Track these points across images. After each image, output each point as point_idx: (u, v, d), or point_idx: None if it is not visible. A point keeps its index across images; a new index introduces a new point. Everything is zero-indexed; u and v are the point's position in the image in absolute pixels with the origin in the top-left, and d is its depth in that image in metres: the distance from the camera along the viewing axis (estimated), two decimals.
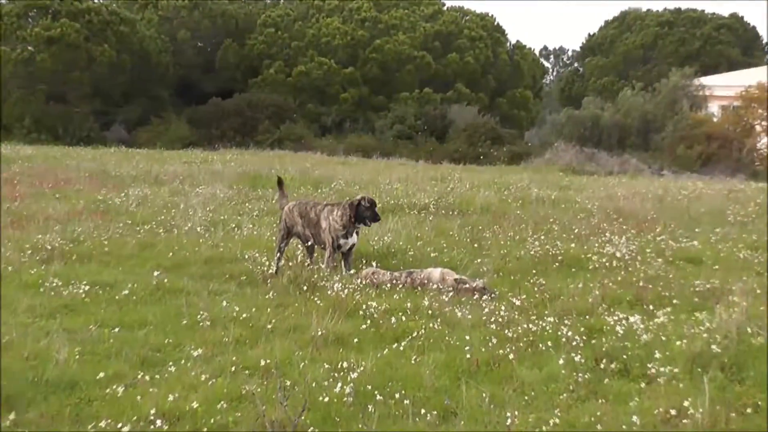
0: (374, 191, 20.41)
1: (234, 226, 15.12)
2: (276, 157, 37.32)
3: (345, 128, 61.65)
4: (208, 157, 34.37)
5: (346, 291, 9.40)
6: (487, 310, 9.02)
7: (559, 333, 8.14)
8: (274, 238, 12.98)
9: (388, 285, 10.26)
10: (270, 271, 11.20)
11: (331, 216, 11.52)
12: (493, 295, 9.98)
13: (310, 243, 11.81)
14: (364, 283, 10.38)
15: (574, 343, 7.87)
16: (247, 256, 11.98)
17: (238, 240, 13.75)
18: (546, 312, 8.99)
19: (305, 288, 9.90)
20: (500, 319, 8.69)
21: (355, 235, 11.62)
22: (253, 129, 53.39)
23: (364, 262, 11.92)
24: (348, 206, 11.37)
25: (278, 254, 11.66)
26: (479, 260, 12.18)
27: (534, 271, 11.51)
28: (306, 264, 10.94)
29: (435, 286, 10.23)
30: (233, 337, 8.07)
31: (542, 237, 14.16)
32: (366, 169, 31.43)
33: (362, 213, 11.42)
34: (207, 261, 12.03)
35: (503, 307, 9.11)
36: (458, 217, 17.30)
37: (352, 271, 11.24)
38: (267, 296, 9.66)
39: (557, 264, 12.12)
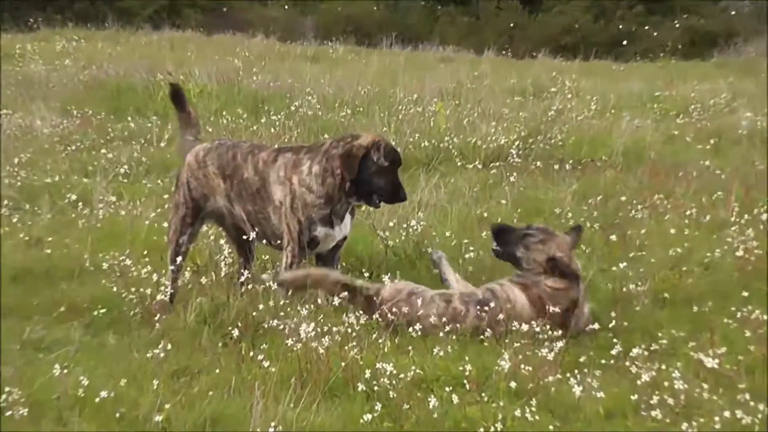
0: (387, 122, 14.21)
1: (75, 198, 10.57)
2: (166, 44, 26.61)
3: None
4: (14, 48, 23.56)
5: (326, 339, 6.24)
6: (645, 377, 5.89)
7: None
8: (165, 224, 8.98)
9: (432, 319, 6.86)
10: (160, 296, 7.64)
11: (295, 175, 7.26)
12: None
13: (246, 236, 7.54)
14: (383, 316, 6.91)
15: None
16: (106, 266, 8.15)
17: (86, 230, 9.55)
18: None
19: (236, 334, 6.71)
20: (668, 400, 5.63)
21: (347, 219, 7.52)
22: None
23: (366, 272, 8.27)
24: (338, 155, 7.16)
25: (176, 259, 7.71)
26: (620, 269, 8.16)
27: (744, 294, 7.37)
28: (238, 280, 7.22)
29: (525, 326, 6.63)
30: None
31: (763, 218, 9.29)
32: (365, 70, 21.71)
33: (369, 176, 7.20)
34: (17, 278, 8.43)
35: (675, 373, 5.88)
36: (572, 176, 11.81)
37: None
38: (153, 353, 6.49)
39: None
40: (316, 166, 7.18)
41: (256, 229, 7.59)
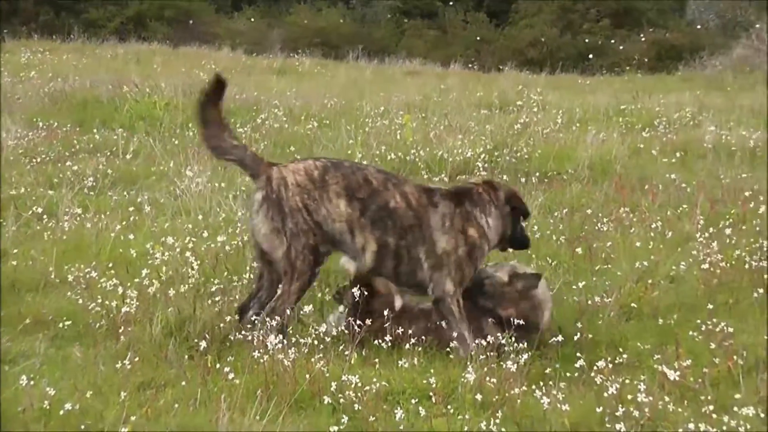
0: (354, 135, 14.07)
1: (41, 211, 10.38)
2: (132, 56, 26.30)
3: None
4: None
5: (292, 352, 6.19)
6: (610, 390, 5.80)
7: None
8: (127, 236, 9.04)
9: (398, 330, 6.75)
10: (126, 308, 7.20)
11: (471, 227, 7.02)
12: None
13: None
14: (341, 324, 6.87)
15: None
16: (71, 278, 7.97)
17: (51, 242, 9.35)
18: (738, 396, 5.81)
19: (203, 347, 6.49)
20: (633, 412, 5.59)
21: None
22: None
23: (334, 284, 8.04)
24: (512, 204, 7.16)
25: (300, 295, 6.97)
26: (587, 283, 8.14)
27: (709, 306, 7.33)
28: (247, 314, 6.99)
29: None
30: None
31: (727, 231, 9.34)
32: (332, 82, 22.44)
33: (518, 222, 7.32)
34: None
35: (641, 385, 5.80)
36: (539, 189, 11.74)
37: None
38: (119, 365, 6.42)
39: (762, 289, 7.83)
40: (491, 219, 7.10)
41: (385, 263, 7.02)
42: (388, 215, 6.78)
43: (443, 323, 6.90)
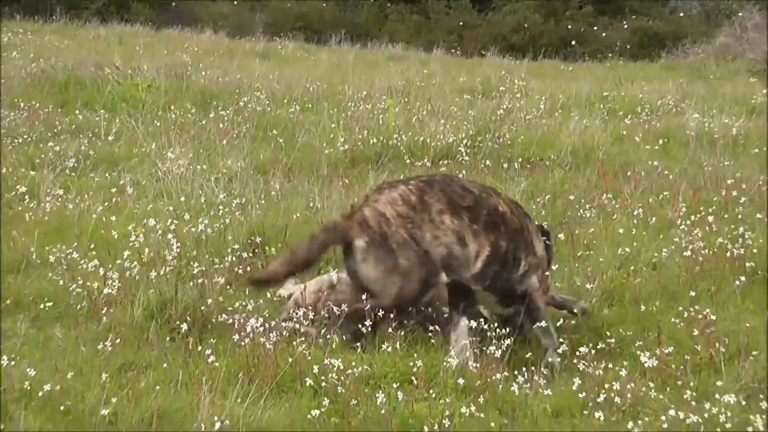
0: (336, 119, 13.91)
1: (22, 191, 10.32)
2: (115, 38, 25.56)
3: None
4: None
5: (274, 335, 6.18)
6: (592, 376, 5.93)
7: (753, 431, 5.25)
8: (109, 218, 8.97)
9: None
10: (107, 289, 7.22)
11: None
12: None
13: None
14: (313, 313, 7.02)
15: None
16: (53, 259, 7.95)
17: (33, 223, 9.35)
18: (719, 384, 5.94)
19: (184, 329, 6.53)
20: (615, 398, 5.60)
21: None
22: None
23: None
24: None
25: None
26: (569, 269, 8.33)
27: (691, 293, 7.34)
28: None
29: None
30: None
31: (710, 219, 9.14)
32: (314, 66, 21.90)
33: None
34: None
35: (622, 372, 5.95)
36: (521, 174, 11.68)
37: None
38: (100, 346, 6.44)
39: (743, 276, 7.73)
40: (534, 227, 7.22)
41: (491, 268, 6.72)
42: (501, 219, 6.67)
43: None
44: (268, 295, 7.62)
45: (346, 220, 6.43)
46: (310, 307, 7.11)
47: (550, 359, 6.49)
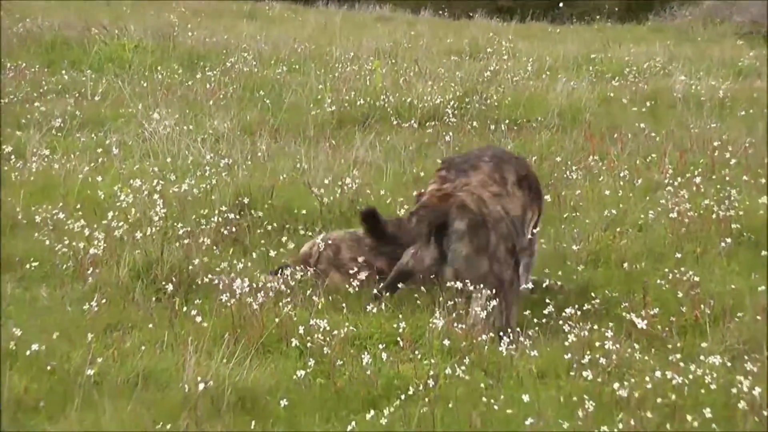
0: (323, 80, 13.99)
1: (9, 151, 10.37)
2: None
3: None
4: None
5: (260, 296, 6.17)
6: (578, 337, 5.83)
7: (738, 392, 5.12)
8: (95, 178, 9.09)
9: (360, 276, 6.84)
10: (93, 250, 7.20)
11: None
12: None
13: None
14: (300, 274, 6.94)
15: None
16: (39, 219, 8.05)
17: (19, 183, 9.34)
18: (704, 345, 5.89)
19: (170, 289, 6.62)
20: (600, 360, 5.58)
21: None
22: None
23: (302, 230, 8.16)
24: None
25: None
26: (556, 231, 8.29)
27: (677, 255, 7.49)
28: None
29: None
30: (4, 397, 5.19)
31: (696, 180, 9.15)
32: (302, 27, 21.65)
33: None
34: None
35: (608, 333, 5.87)
36: (508, 136, 11.65)
37: None
38: (86, 306, 6.47)
39: (729, 238, 7.72)
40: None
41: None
42: (537, 185, 7.06)
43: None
44: (254, 255, 7.57)
45: (441, 203, 6.48)
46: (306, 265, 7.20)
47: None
